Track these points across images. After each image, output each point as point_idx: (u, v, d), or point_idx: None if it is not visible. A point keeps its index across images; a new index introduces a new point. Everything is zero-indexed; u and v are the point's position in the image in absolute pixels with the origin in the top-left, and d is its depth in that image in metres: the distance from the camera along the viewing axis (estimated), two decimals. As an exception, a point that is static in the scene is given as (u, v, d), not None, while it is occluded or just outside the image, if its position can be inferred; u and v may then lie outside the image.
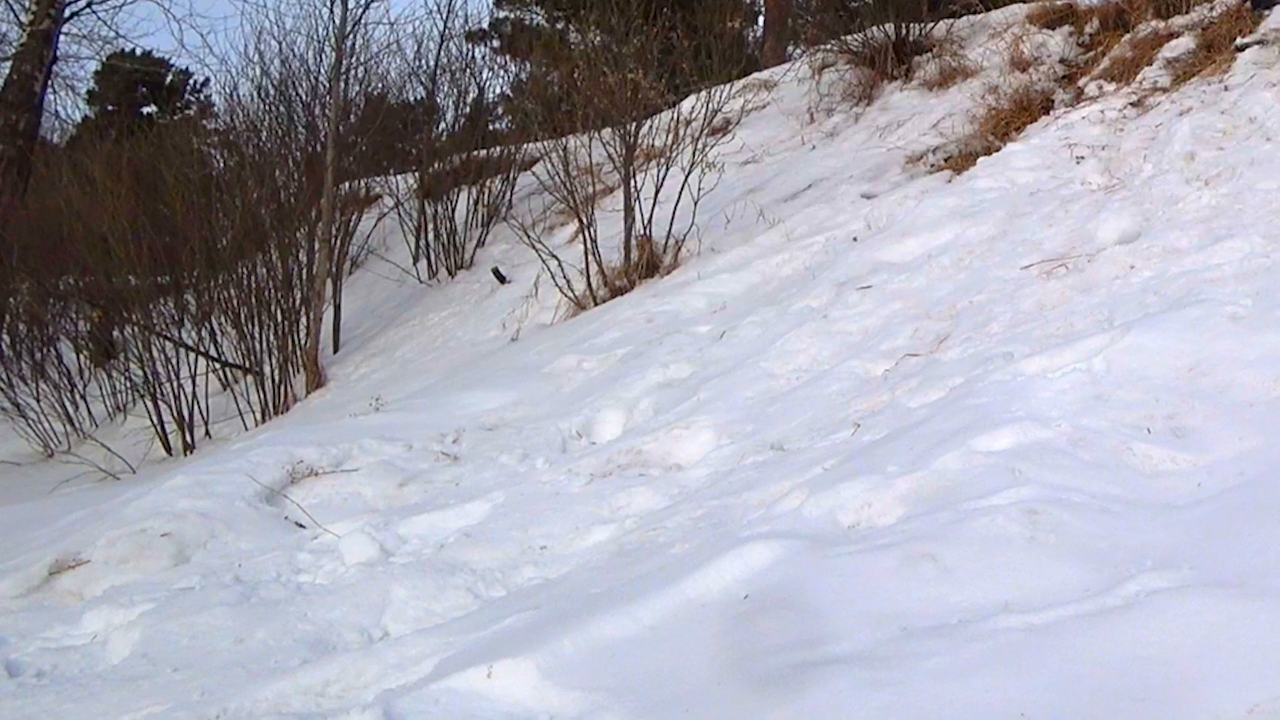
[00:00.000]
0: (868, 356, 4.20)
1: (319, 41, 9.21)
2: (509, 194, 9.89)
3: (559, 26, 17.53)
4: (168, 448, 7.59)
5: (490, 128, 11.52)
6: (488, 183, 9.80)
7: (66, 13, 11.38)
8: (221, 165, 9.78)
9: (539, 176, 7.87)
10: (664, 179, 6.85)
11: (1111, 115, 6.06)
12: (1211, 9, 6.70)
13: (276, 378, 7.79)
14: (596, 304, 6.71)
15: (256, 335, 8.00)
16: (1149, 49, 6.66)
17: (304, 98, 9.32)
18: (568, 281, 6.92)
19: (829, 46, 9.43)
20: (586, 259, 6.86)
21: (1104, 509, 2.44)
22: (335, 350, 8.66)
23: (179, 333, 8.28)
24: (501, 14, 19.40)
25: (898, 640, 2.05)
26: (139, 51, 17.53)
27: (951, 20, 9.11)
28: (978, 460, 2.79)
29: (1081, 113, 6.21)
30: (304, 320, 7.97)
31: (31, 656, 3.03)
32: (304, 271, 8.21)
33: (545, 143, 7.94)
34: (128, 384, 8.51)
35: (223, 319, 8.27)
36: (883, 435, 3.32)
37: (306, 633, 2.99)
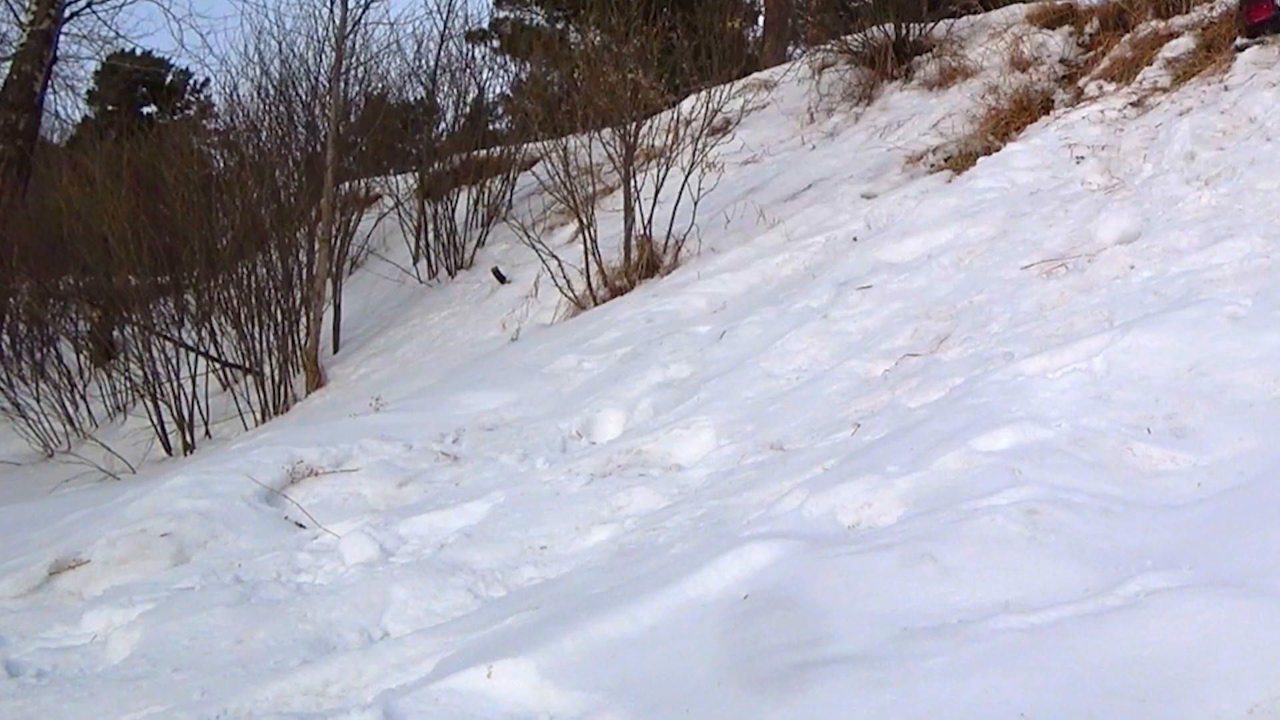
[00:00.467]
0: (868, 356, 4.20)
1: (319, 41, 9.23)
2: (509, 194, 9.89)
3: (559, 26, 17.54)
4: (168, 448, 7.59)
5: (490, 128, 11.53)
6: (488, 183, 9.80)
7: (66, 13, 11.40)
8: (221, 165, 9.78)
9: (539, 176, 7.87)
10: (664, 179, 6.85)
11: (1111, 115, 6.06)
12: (1211, 9, 6.70)
13: (276, 378, 7.79)
14: (596, 304, 6.71)
15: (256, 335, 8.00)
16: (1149, 49, 6.66)
17: (304, 98, 9.33)
18: (568, 281, 6.92)
19: (829, 46, 9.43)
20: (586, 259, 6.86)
21: (1104, 509, 2.44)
22: (335, 350, 8.66)
23: (179, 333, 8.28)
24: (501, 14, 19.42)
25: (898, 640, 2.05)
26: (139, 51, 17.59)
27: (951, 20, 9.11)
28: (978, 460, 2.79)
29: (1081, 113, 6.21)
30: (304, 320, 7.97)
31: (31, 656, 3.03)
32: (304, 271, 8.21)
33: (545, 143, 7.94)
34: (128, 384, 8.52)
35: (223, 319, 8.28)
36: (883, 435, 3.32)
37: (306, 633, 2.99)
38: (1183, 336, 3.20)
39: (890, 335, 4.32)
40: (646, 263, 6.80)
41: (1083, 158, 5.64)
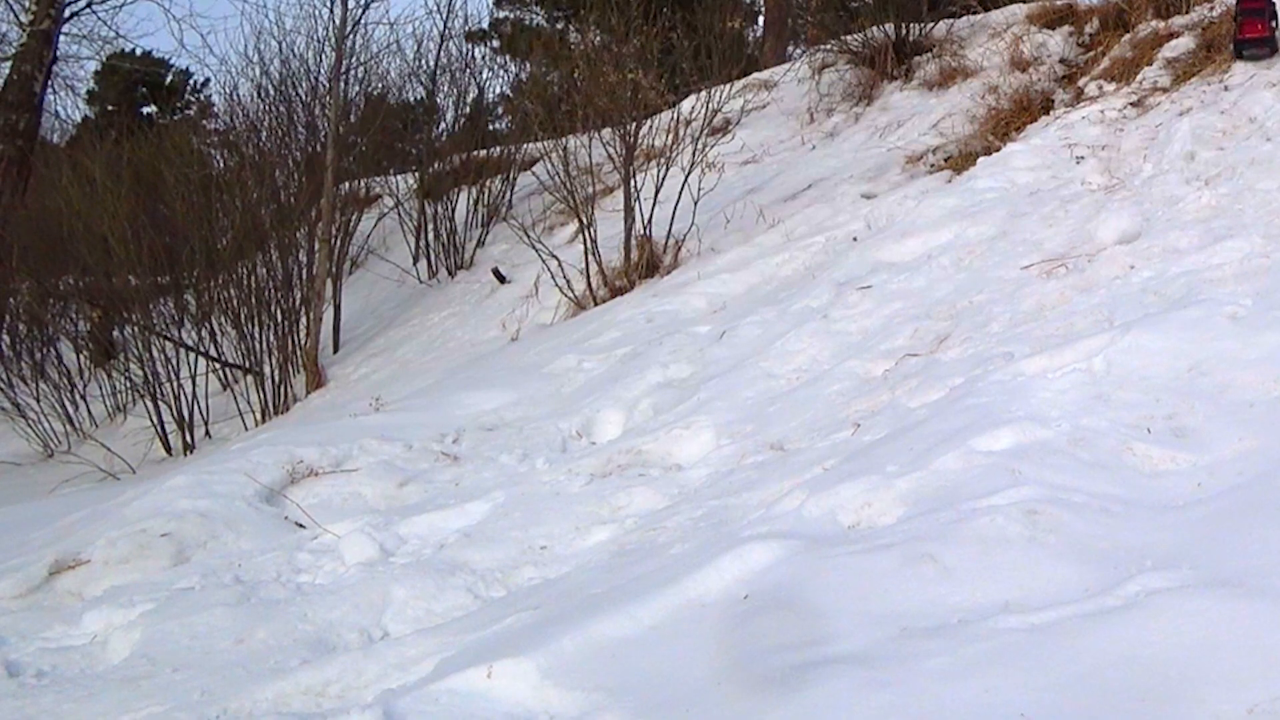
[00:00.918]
0: (868, 356, 4.20)
1: (319, 41, 9.22)
2: (509, 194, 9.89)
3: (559, 26, 17.53)
4: (168, 448, 7.59)
5: (490, 128, 11.52)
6: (488, 183, 9.79)
7: (66, 13, 11.39)
8: (221, 165, 9.78)
9: (539, 176, 7.87)
10: (664, 179, 6.85)
11: (1111, 115, 6.06)
12: (1211, 9, 6.70)
13: (276, 378, 7.79)
14: (596, 304, 6.71)
15: (256, 335, 8.00)
16: (1149, 49, 6.66)
17: (304, 98, 9.33)
18: (568, 281, 6.92)
19: (829, 46, 9.43)
20: (586, 259, 6.86)
21: (1104, 509, 2.44)
22: (335, 350, 8.66)
23: (179, 333, 8.28)
24: (501, 14, 19.41)
25: (898, 640, 2.05)
26: (139, 51, 17.56)
27: (951, 20, 9.11)
28: (978, 460, 2.79)
29: (1081, 113, 6.21)
30: (304, 320, 7.97)
31: (31, 656, 3.03)
32: (304, 271, 8.21)
33: (545, 143, 7.94)
34: (128, 384, 8.52)
35: (223, 319, 8.27)
36: (883, 435, 3.32)
37: (306, 633, 2.99)
38: (1183, 336, 3.21)
39: (890, 335, 4.32)
40: (646, 263, 6.79)
41: (1083, 158, 5.64)
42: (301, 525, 3.90)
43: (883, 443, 3.21)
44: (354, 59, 9.22)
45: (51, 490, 6.59)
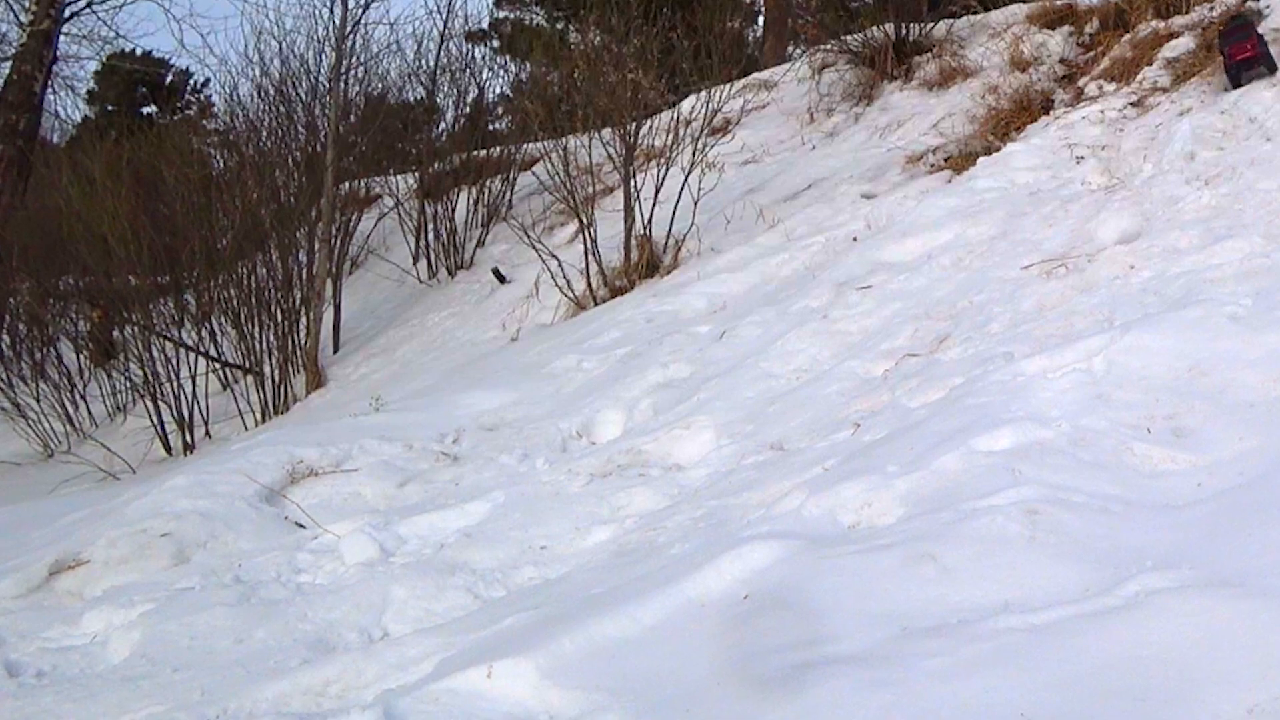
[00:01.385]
0: (868, 356, 4.20)
1: (319, 42, 9.21)
2: (509, 194, 9.89)
3: (559, 26, 17.53)
4: (168, 448, 7.59)
5: (490, 128, 11.52)
6: (488, 183, 9.80)
7: (66, 13, 11.38)
8: (221, 165, 9.78)
9: (539, 176, 7.87)
10: (664, 179, 6.85)
11: (1111, 115, 6.06)
12: (1211, 9, 6.70)
13: (276, 378, 7.79)
14: (596, 304, 6.71)
15: (256, 335, 8.00)
16: (1149, 49, 6.66)
17: (304, 98, 9.32)
18: (568, 281, 6.92)
19: (829, 46, 9.43)
20: (586, 259, 6.86)
21: (1104, 509, 2.44)
22: (335, 350, 8.66)
23: (179, 333, 8.28)
24: (501, 14, 19.41)
25: (898, 640, 2.05)
26: (139, 51, 17.59)
27: (951, 20, 9.11)
28: (978, 460, 2.79)
29: (1081, 113, 6.22)
30: (304, 320, 7.98)
31: (31, 656, 3.03)
32: (304, 271, 8.21)
33: (545, 143, 7.94)
34: (128, 384, 8.52)
35: (223, 319, 8.28)
36: (883, 435, 3.31)
37: (306, 633, 2.99)
38: (1183, 336, 3.20)
39: (890, 335, 4.32)
40: (646, 263, 6.80)
41: (1083, 158, 5.64)
42: (301, 525, 3.90)
43: (883, 443, 3.21)
44: (354, 59, 9.23)
45: (51, 490, 6.59)
